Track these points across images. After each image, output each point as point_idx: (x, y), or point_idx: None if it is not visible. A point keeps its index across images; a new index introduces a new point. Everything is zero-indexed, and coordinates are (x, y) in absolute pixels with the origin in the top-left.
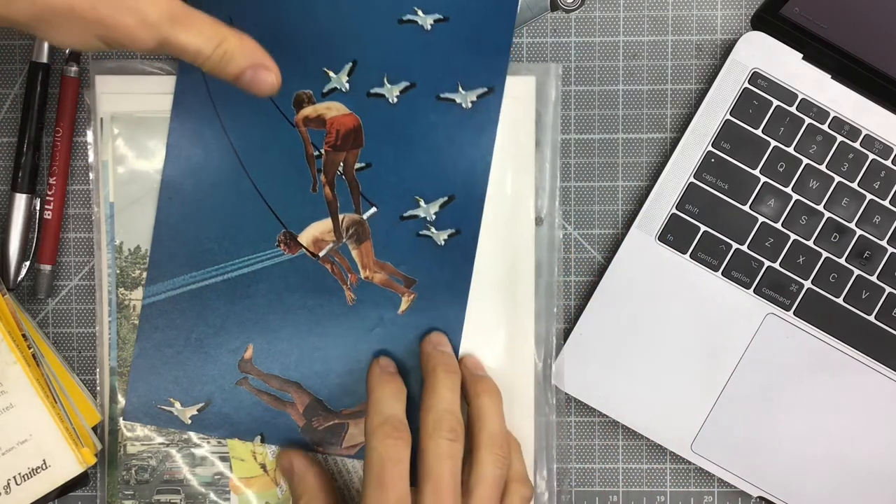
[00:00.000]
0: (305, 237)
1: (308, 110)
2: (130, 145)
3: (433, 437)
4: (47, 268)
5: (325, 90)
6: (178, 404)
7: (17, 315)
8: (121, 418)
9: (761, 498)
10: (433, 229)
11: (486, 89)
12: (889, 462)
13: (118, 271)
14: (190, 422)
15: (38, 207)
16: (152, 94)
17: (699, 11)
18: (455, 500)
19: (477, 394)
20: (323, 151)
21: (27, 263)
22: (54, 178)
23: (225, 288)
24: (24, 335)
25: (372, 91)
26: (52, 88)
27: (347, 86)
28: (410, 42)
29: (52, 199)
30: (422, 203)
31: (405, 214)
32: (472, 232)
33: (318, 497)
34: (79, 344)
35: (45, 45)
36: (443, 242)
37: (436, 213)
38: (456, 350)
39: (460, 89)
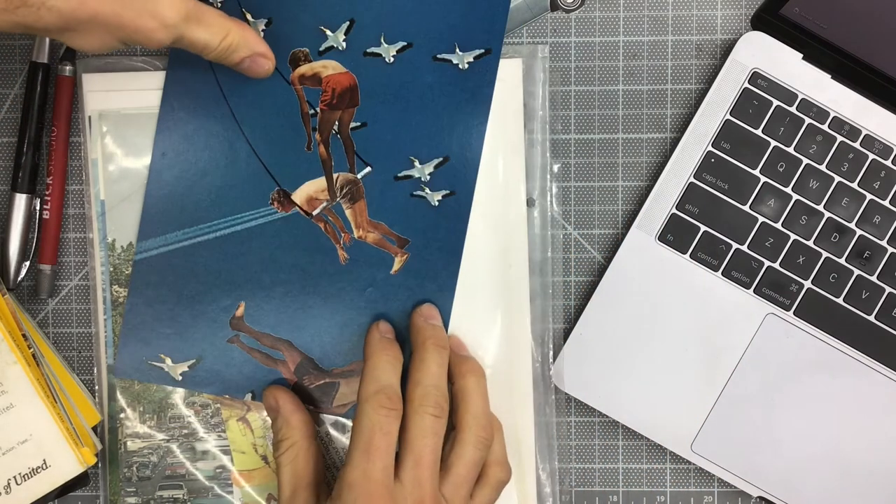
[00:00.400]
0: (299, 195)
1: (304, 68)
2: (119, 143)
3: (418, 412)
4: (48, 268)
5: (321, 48)
6: (168, 360)
7: (17, 315)
8: (114, 383)
9: (761, 498)
10: (427, 190)
11: (483, 51)
12: (889, 462)
13: (111, 269)
14: (180, 378)
15: (38, 207)
16: (140, 90)
17: (699, 11)
18: (434, 475)
19: (462, 374)
20: (318, 110)
21: (27, 263)
22: (51, 177)
23: (217, 245)
24: (24, 335)
25: (369, 50)
26: (52, 88)
27: (344, 44)
28: (408, 1)
29: (50, 199)
30: (416, 163)
31: (400, 174)
32: (466, 193)
33: (302, 445)
34: (78, 344)
35: (45, 45)
36: (437, 203)
37: (430, 174)
38: (447, 314)
39: (457, 50)
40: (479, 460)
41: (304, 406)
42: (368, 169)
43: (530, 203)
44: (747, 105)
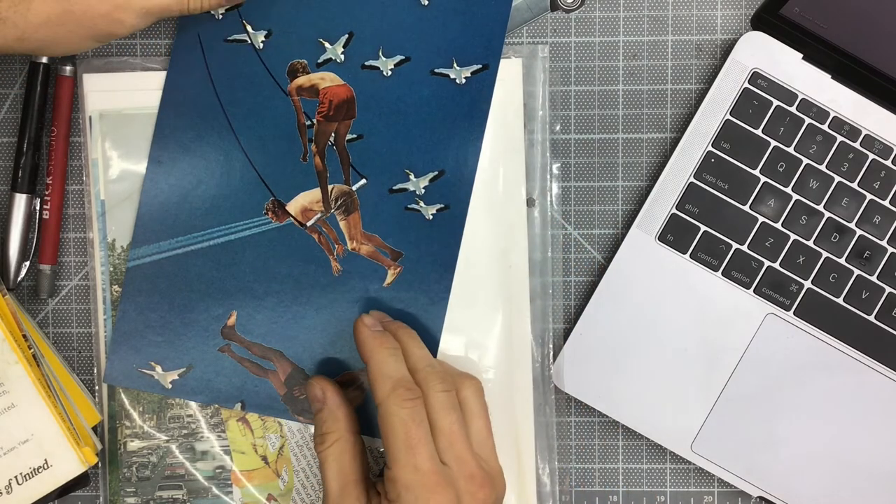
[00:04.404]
0: (294, 206)
1: (302, 80)
2: (119, 143)
3: (430, 394)
4: (48, 268)
5: (319, 60)
6: (159, 368)
7: (17, 315)
8: (107, 382)
9: (761, 498)
10: (422, 203)
11: (480, 66)
12: (889, 462)
13: (111, 269)
14: (171, 386)
15: (38, 207)
16: (140, 90)
17: (699, 11)
18: (468, 445)
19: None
20: (315, 121)
21: (27, 263)
22: (51, 177)
23: (211, 254)
24: (24, 335)
25: (367, 63)
26: (52, 88)
27: (342, 57)
28: (407, 16)
29: (49, 199)
30: (412, 177)
31: (394, 187)
32: (460, 207)
33: (348, 439)
34: (78, 344)
35: None
36: (431, 217)
37: (425, 188)
38: (439, 328)
39: (455, 65)
40: (454, 401)
41: (347, 400)
42: (363, 181)
43: (530, 203)
44: (747, 105)
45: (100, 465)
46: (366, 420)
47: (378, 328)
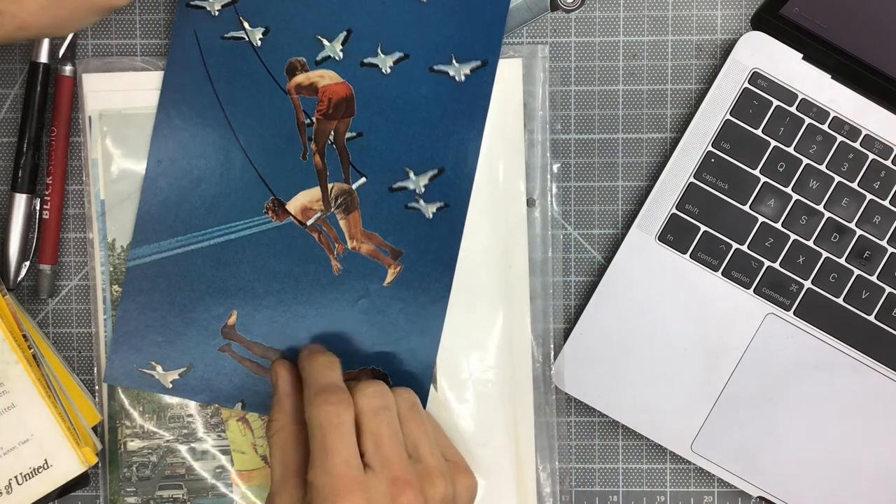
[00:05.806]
0: (293, 205)
1: (301, 78)
2: (119, 143)
3: (359, 394)
4: (48, 268)
5: (318, 58)
6: (159, 368)
7: (17, 315)
8: (107, 382)
9: (761, 498)
10: (422, 202)
11: (479, 63)
12: (889, 462)
13: (111, 268)
14: (171, 386)
15: (38, 207)
16: (140, 90)
17: (699, 11)
18: (397, 447)
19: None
20: (314, 119)
21: (27, 263)
22: (51, 177)
23: (211, 253)
24: (24, 335)
25: (365, 61)
26: (52, 88)
27: (341, 54)
28: (406, 13)
29: (49, 199)
30: (411, 175)
31: (394, 186)
32: (460, 206)
33: (290, 430)
34: (78, 344)
35: (45, 45)
36: (431, 216)
37: (425, 186)
38: (440, 327)
39: (454, 62)
40: (384, 403)
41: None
42: (363, 179)
43: (530, 203)
44: (747, 105)
45: (100, 465)
46: None
47: (319, 347)
